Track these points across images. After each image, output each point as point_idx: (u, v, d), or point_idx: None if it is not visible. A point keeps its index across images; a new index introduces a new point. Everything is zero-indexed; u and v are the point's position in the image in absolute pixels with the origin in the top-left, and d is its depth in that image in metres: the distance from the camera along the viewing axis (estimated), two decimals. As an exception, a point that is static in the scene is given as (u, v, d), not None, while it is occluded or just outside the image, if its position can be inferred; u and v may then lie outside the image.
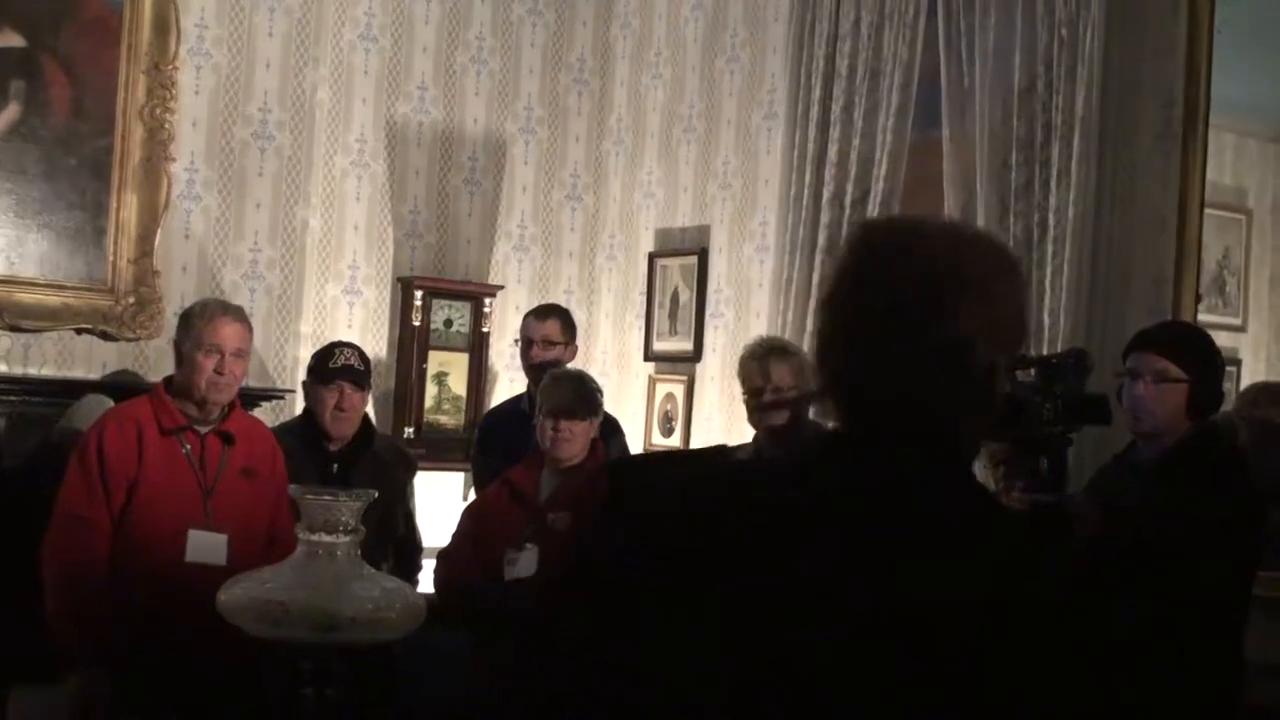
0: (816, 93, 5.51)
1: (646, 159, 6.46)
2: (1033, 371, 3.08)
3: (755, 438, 4.12)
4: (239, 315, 3.90)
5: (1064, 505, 3.04)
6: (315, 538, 2.62)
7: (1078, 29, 4.61)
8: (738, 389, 5.74)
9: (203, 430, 3.80)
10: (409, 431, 6.03)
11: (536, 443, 4.27)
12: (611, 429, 4.67)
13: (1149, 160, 4.51)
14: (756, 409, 4.00)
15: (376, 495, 2.90)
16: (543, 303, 5.59)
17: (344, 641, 2.53)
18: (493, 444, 4.91)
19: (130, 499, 3.68)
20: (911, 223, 1.60)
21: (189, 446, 3.77)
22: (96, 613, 3.57)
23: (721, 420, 5.95)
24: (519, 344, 5.16)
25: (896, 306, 1.43)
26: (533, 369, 5.06)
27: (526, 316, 5.26)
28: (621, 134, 6.61)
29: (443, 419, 6.22)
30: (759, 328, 5.73)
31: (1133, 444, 3.41)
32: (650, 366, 6.31)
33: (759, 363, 4.00)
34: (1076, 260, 4.56)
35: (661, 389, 6.27)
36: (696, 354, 6.12)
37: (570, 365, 4.96)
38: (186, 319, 3.86)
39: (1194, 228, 4.37)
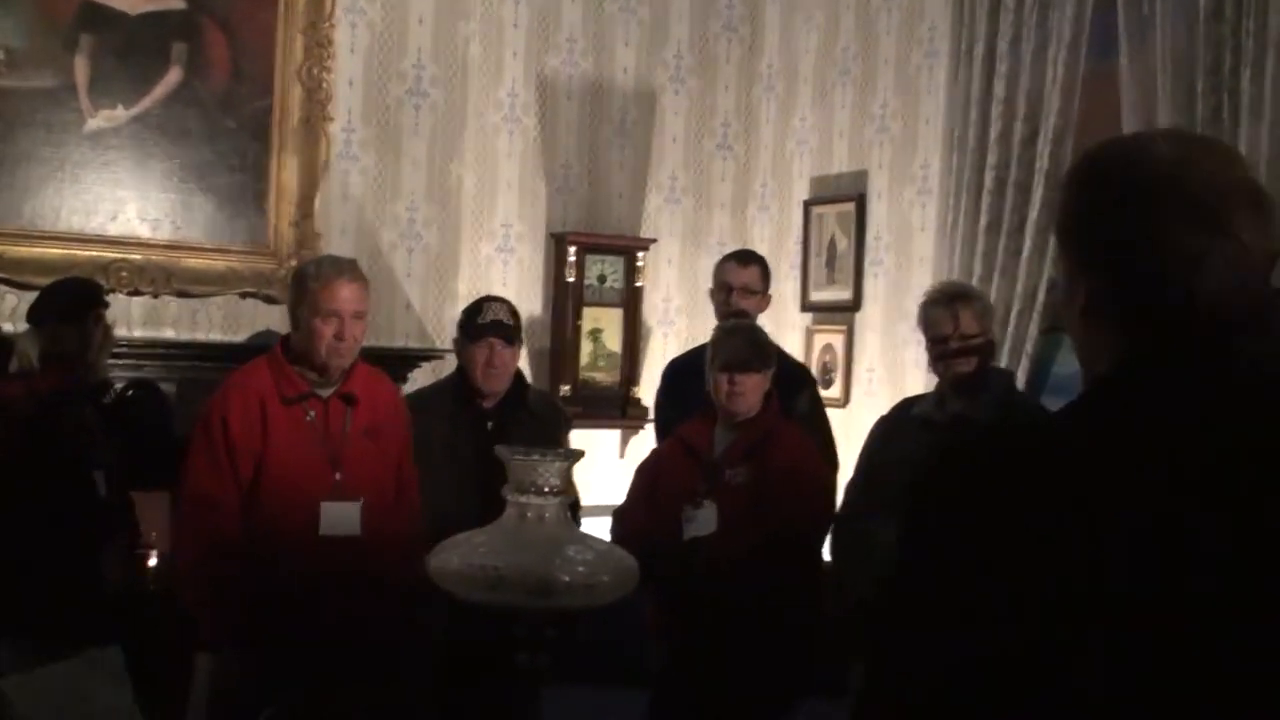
0: (981, 27, 5.32)
1: (800, 105, 6.31)
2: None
3: (937, 387, 3.97)
4: (355, 273, 3.68)
5: None
6: (524, 499, 2.54)
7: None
8: (900, 337, 5.69)
9: (325, 394, 3.64)
10: (565, 389, 5.98)
11: (709, 397, 4.17)
12: (801, 382, 4.52)
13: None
14: (941, 356, 3.84)
15: (584, 454, 2.82)
16: (741, 248, 5.39)
17: (559, 607, 2.46)
18: (677, 396, 4.80)
19: (258, 474, 3.54)
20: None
21: (313, 414, 3.61)
22: (232, 595, 3.46)
23: (883, 371, 5.81)
24: (714, 292, 4.99)
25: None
26: (732, 317, 4.94)
27: (726, 262, 5.03)
28: (773, 80, 6.46)
29: (598, 375, 6.16)
30: (922, 274, 5.58)
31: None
32: (808, 317, 6.18)
33: (946, 308, 3.83)
34: (1274, 193, 4.32)
35: (819, 340, 6.13)
36: (856, 303, 5.98)
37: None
38: (300, 281, 3.66)
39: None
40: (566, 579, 2.49)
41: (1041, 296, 5.04)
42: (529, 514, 2.58)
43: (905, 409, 4.05)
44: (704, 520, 3.93)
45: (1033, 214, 5.10)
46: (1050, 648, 1.20)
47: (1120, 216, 1.36)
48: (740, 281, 4.83)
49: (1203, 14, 4.54)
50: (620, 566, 2.61)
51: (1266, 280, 1.35)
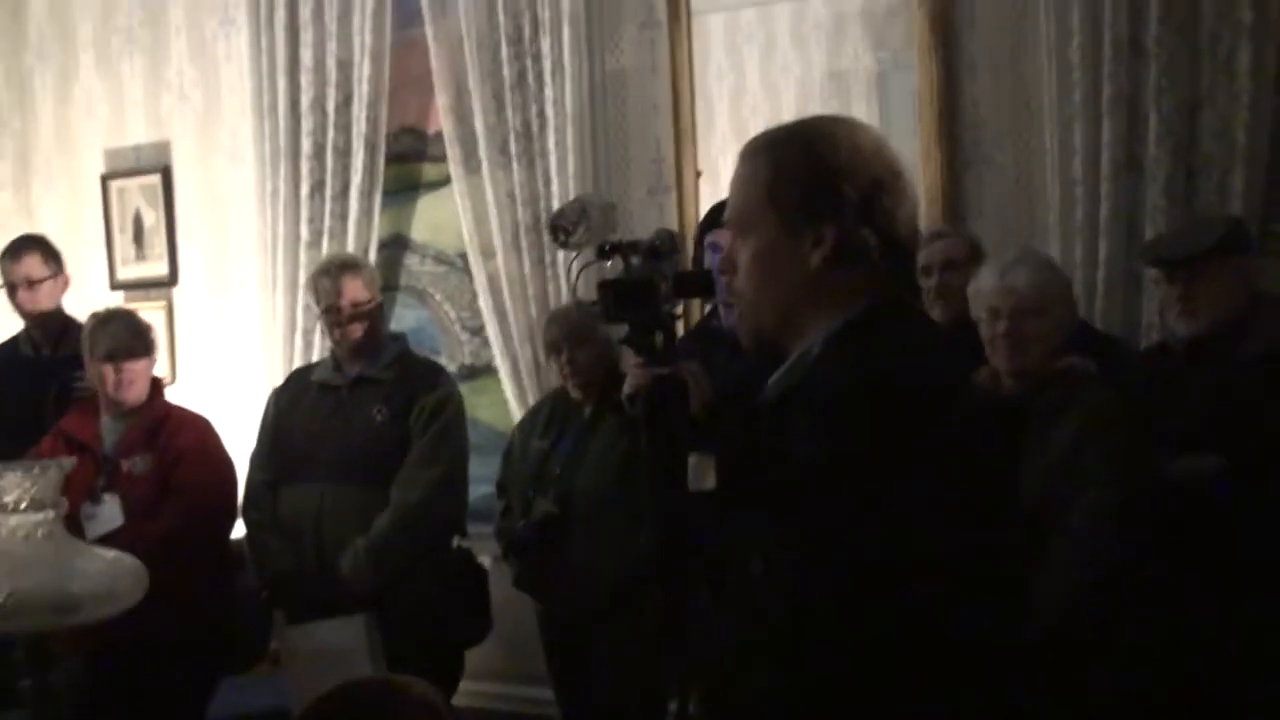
0: (281, -1, 5.37)
1: (83, 74, 5.99)
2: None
3: (332, 352, 4.08)
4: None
5: (680, 374, 3.31)
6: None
7: (558, -76, 4.84)
8: (229, 308, 5.67)
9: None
10: None
11: (78, 389, 4.00)
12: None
13: (636, 49, 4.85)
14: (335, 324, 3.95)
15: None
16: (19, 236, 5.04)
17: (87, 620, 2.33)
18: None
19: None
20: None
21: None
22: None
23: (209, 342, 5.74)
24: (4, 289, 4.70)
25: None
26: (30, 316, 4.67)
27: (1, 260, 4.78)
28: (45, 47, 6.07)
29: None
30: (244, 242, 5.58)
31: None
32: (119, 295, 5.93)
33: (333, 279, 3.95)
34: (579, 147, 4.83)
35: (135, 318, 5.91)
36: (172, 278, 5.84)
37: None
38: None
39: (687, 108, 4.77)
40: (85, 591, 2.37)
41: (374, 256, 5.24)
42: (20, 534, 2.41)
43: (302, 376, 4.13)
44: (107, 516, 3.79)
45: (355, 178, 5.27)
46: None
47: (866, 168, 1.61)
48: (20, 275, 4.64)
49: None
50: (132, 568, 2.51)
51: None
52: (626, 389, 3.18)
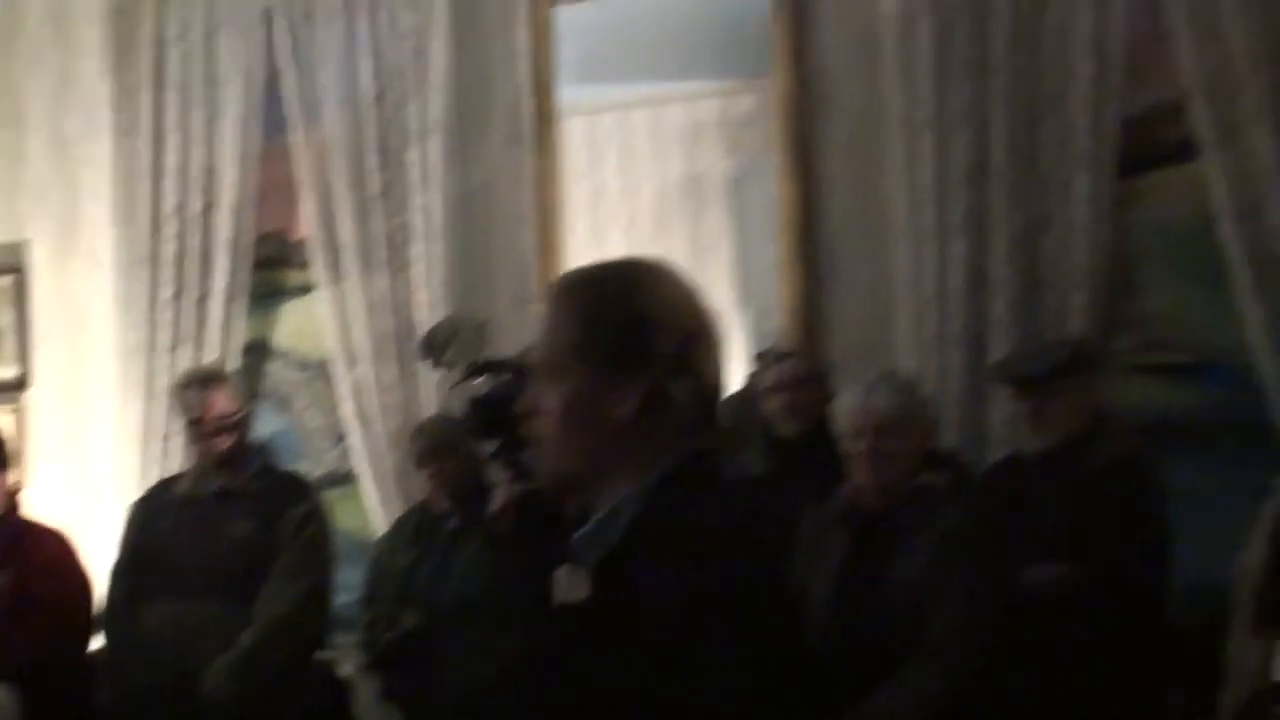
0: (145, 100, 5.36)
1: (-74, 171, 5.87)
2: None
3: (195, 464, 4.05)
4: None
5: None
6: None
7: (425, 39, 4.93)
8: (83, 412, 5.58)
9: None
10: None
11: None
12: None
13: (502, 160, 4.94)
14: (199, 437, 3.93)
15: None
16: None
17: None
18: None
19: None
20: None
21: None
22: None
23: (65, 448, 5.62)
24: None
25: None
26: None
27: None
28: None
29: None
30: (102, 345, 5.50)
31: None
32: (-35, 398, 5.78)
33: (198, 392, 3.94)
34: (446, 257, 4.89)
35: (-14, 422, 5.77)
36: (23, 381, 5.72)
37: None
38: None
39: (552, 220, 4.86)
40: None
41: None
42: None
43: (165, 489, 4.09)
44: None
45: (219, 284, 5.25)
46: None
47: (680, 320, 1.60)
48: None
49: (371, 96, 5.01)
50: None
51: None
52: (494, 505, 3.23)
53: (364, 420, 4.97)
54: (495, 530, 3.23)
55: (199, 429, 3.91)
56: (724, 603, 1.50)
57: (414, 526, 4.01)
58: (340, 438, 5.13)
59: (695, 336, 1.61)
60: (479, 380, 3.27)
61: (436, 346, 3.33)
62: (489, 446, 3.24)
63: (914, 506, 3.04)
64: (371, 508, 4.91)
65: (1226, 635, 3.01)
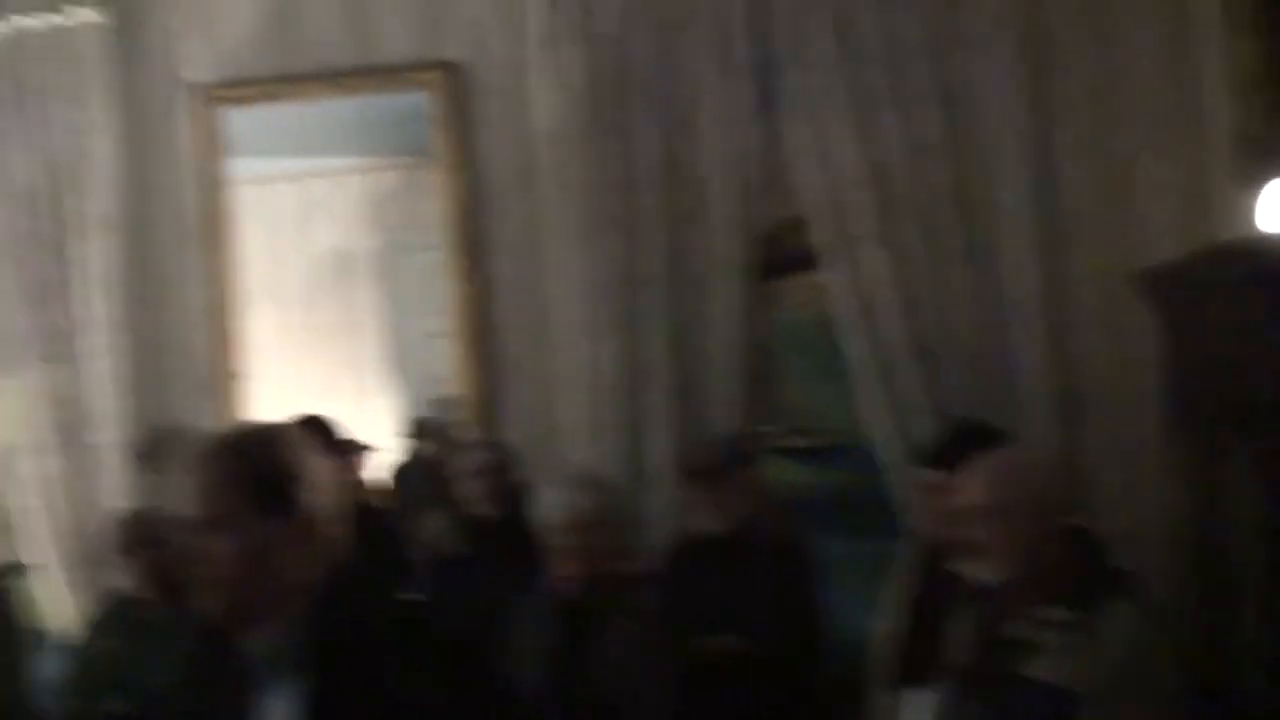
0: None
1: None
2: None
3: None
4: None
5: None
6: None
7: (92, 137, 4.98)
8: None
9: None
10: None
11: None
12: None
13: (175, 257, 5.05)
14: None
15: None
16: None
17: None
18: None
19: None
20: None
21: None
22: None
23: None
24: None
25: None
26: None
27: None
28: None
29: None
30: None
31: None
32: None
33: None
34: (122, 349, 4.94)
35: None
36: None
37: None
38: None
39: (228, 314, 5.01)
40: None
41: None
42: None
43: None
44: None
45: None
46: None
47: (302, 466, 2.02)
48: None
49: (39, 190, 5.00)
50: None
51: None
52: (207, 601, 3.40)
53: (44, 511, 4.95)
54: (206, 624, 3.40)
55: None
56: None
57: (118, 613, 4.07)
58: (4, 528, 5.07)
59: (316, 481, 2.03)
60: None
61: (149, 455, 3.47)
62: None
63: (607, 591, 3.42)
64: (48, 598, 4.88)
65: (868, 691, 3.53)
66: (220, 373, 5.00)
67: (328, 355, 6.05)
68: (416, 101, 4.83)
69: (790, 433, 4.48)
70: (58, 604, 4.90)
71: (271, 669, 1.97)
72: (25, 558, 4.97)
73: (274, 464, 1.99)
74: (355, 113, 5.16)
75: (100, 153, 4.98)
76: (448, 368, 4.93)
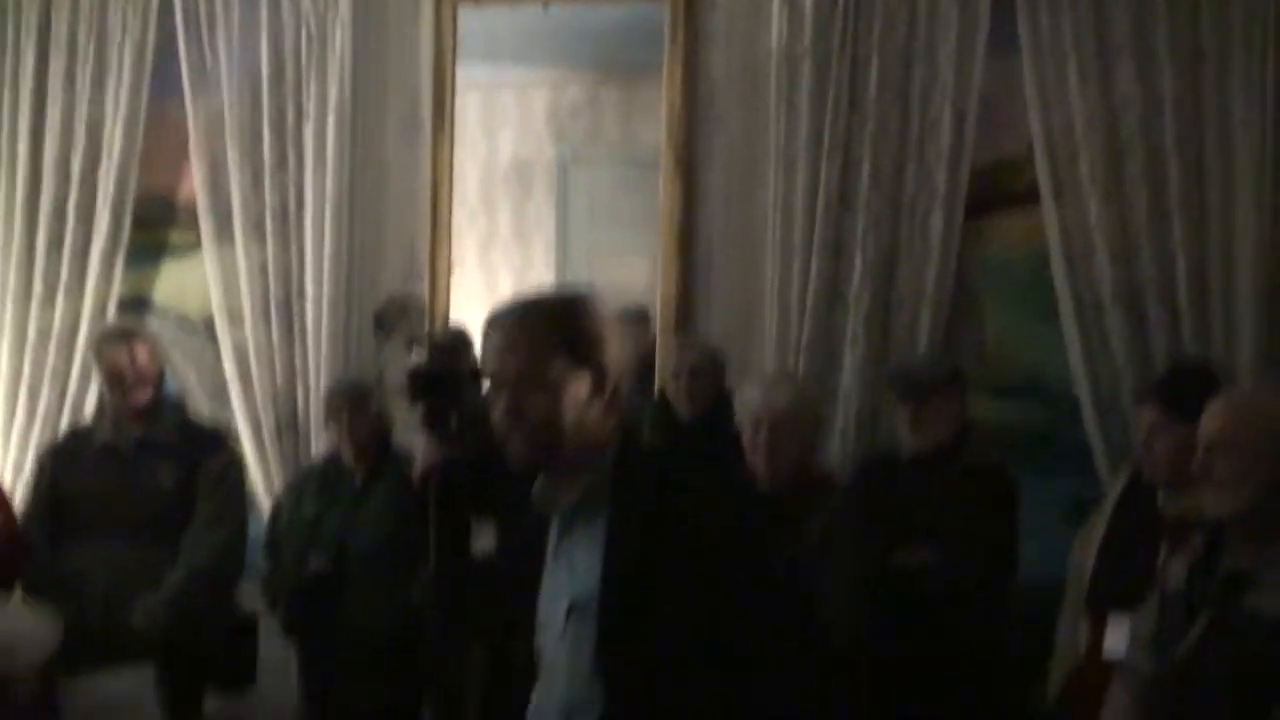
0: (29, 61, 5.41)
1: None
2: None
3: (110, 415, 4.22)
4: None
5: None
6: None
7: (326, 26, 5.15)
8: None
9: None
10: None
11: None
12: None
13: (398, 143, 5.22)
14: (120, 390, 4.13)
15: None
16: None
17: None
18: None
19: None
20: None
21: None
22: None
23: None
24: None
25: None
26: None
27: None
28: None
29: None
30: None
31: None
32: None
33: (120, 346, 4.13)
34: (336, 230, 5.13)
35: None
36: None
37: None
38: None
39: (445, 204, 5.17)
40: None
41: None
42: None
43: (80, 439, 4.27)
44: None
45: (98, 239, 5.36)
46: None
47: (608, 333, 2.23)
48: None
49: (265, 74, 5.20)
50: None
51: None
52: (420, 467, 3.57)
53: (244, 379, 5.19)
54: (416, 487, 3.57)
55: (120, 382, 4.10)
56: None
57: (320, 479, 4.29)
58: (215, 394, 5.32)
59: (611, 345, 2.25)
60: (415, 353, 3.62)
61: (388, 322, 3.64)
62: (419, 412, 3.60)
63: (804, 491, 3.51)
64: (249, 463, 5.12)
65: (1058, 619, 3.58)
66: (439, 261, 5.15)
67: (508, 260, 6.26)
68: (648, 12, 4.91)
69: (988, 369, 4.49)
70: (264, 468, 5.16)
71: (575, 517, 2.21)
72: (223, 422, 5.23)
73: (581, 327, 2.20)
74: (580, 21, 5.27)
75: (339, 40, 5.14)
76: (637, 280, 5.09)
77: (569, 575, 2.20)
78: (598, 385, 2.19)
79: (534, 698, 2.25)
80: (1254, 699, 2.46)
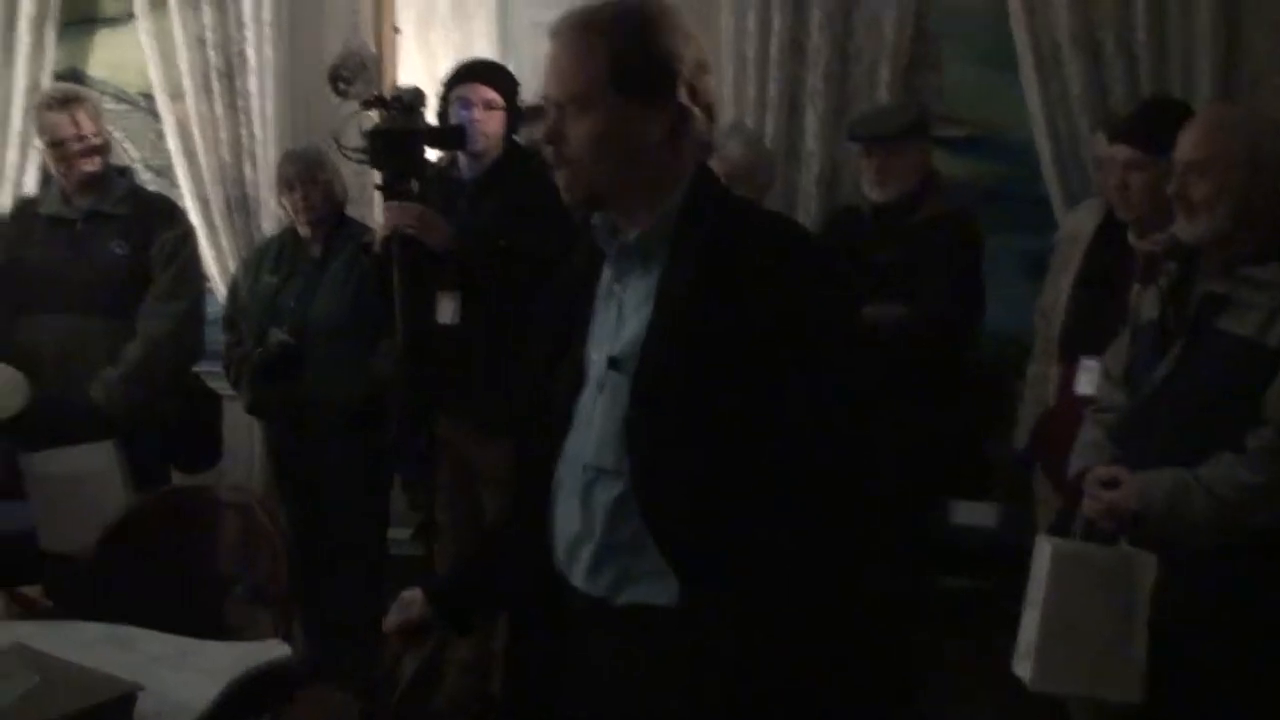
0: None
1: None
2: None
3: (61, 186, 4.09)
4: None
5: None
6: None
7: None
8: None
9: None
10: None
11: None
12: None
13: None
14: (64, 158, 3.99)
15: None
16: None
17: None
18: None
19: None
20: None
21: None
22: None
23: None
24: None
25: None
26: None
27: None
28: None
29: None
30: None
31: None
32: None
33: (60, 113, 3.97)
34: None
35: None
36: None
37: None
38: None
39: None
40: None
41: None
42: None
43: (27, 208, 4.15)
44: None
45: (25, 5, 5.14)
46: None
47: (692, 51, 1.84)
48: None
49: None
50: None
51: None
52: (382, 229, 3.50)
53: (189, 154, 5.06)
54: (378, 249, 3.50)
55: (63, 150, 3.95)
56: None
57: (276, 252, 4.20)
58: (161, 170, 5.20)
59: (704, 66, 1.86)
60: (373, 113, 3.50)
61: (345, 79, 3.50)
62: (380, 176, 3.51)
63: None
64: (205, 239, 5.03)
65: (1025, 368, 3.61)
66: (385, 27, 5.00)
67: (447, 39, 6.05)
68: None
69: (945, 120, 4.43)
70: (215, 248, 5.06)
71: (631, 259, 1.90)
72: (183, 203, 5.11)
73: (642, 44, 1.81)
74: None
75: None
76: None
77: (616, 324, 1.90)
78: (672, 116, 1.82)
79: (565, 448, 1.95)
80: (1224, 421, 2.50)
